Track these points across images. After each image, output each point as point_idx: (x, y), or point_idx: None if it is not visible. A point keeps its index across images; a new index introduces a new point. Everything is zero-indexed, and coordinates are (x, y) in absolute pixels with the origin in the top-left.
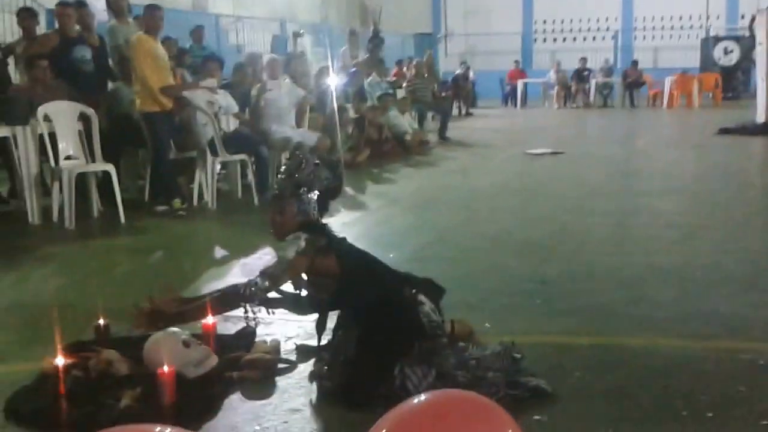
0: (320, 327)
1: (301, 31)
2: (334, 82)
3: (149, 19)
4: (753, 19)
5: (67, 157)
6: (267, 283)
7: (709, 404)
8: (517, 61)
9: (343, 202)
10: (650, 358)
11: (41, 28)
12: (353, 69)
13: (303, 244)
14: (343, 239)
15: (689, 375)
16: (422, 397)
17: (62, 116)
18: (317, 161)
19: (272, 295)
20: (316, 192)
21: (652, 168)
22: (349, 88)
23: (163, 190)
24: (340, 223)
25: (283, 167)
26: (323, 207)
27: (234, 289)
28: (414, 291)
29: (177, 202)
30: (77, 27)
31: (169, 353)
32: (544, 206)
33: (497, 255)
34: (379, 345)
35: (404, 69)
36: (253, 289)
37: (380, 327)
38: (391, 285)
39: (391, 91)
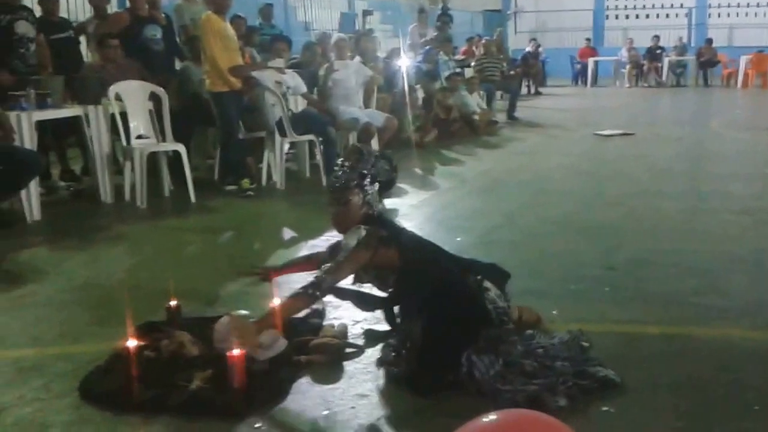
0: (389, 319)
1: (371, 10)
2: (405, 61)
3: None
4: None
5: (139, 137)
6: (330, 279)
7: None
8: (588, 39)
9: (411, 183)
10: (720, 350)
11: (112, 7)
12: (427, 47)
13: (364, 236)
14: (403, 229)
15: (761, 368)
16: (492, 416)
17: (133, 95)
18: (377, 153)
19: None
20: (377, 184)
21: (725, 150)
22: (423, 66)
23: (232, 170)
24: (408, 205)
25: (341, 159)
26: (379, 199)
27: (300, 292)
28: (479, 277)
29: (246, 182)
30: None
31: (238, 336)
32: (613, 189)
33: (565, 239)
34: (445, 333)
35: (473, 47)
36: (315, 289)
37: (445, 316)
38: (455, 273)
39: (459, 70)
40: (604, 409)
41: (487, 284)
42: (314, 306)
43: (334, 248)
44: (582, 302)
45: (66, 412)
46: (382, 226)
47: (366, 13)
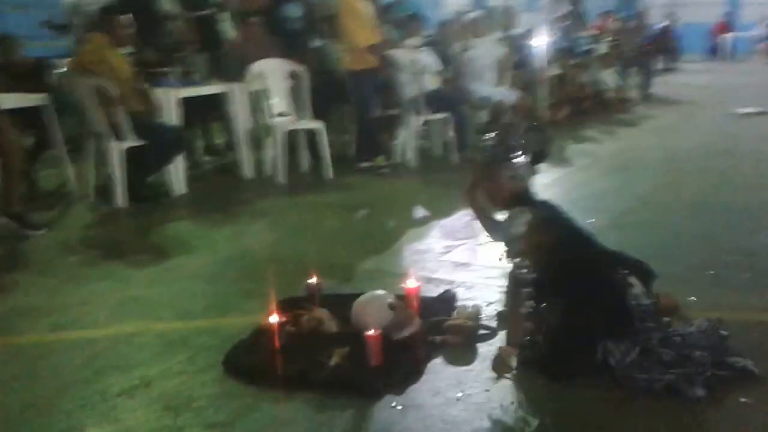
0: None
1: None
2: (541, 38)
3: None
4: None
5: (279, 114)
6: (523, 261)
7: None
8: (725, 14)
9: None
10: None
11: None
12: (567, 23)
13: (530, 219)
14: (556, 208)
15: None
16: None
17: (274, 73)
18: (528, 125)
19: None
20: (527, 157)
21: None
22: (564, 43)
23: (368, 147)
24: (540, 184)
25: (491, 131)
26: (531, 172)
27: (522, 309)
28: (626, 272)
29: (380, 159)
30: None
31: (376, 315)
32: (753, 171)
33: (702, 223)
34: (584, 320)
35: (608, 22)
36: (518, 275)
37: (588, 304)
38: (604, 265)
39: (594, 45)
40: (743, 400)
41: (633, 280)
42: (447, 287)
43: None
44: (721, 289)
45: (210, 385)
46: (539, 206)
47: None
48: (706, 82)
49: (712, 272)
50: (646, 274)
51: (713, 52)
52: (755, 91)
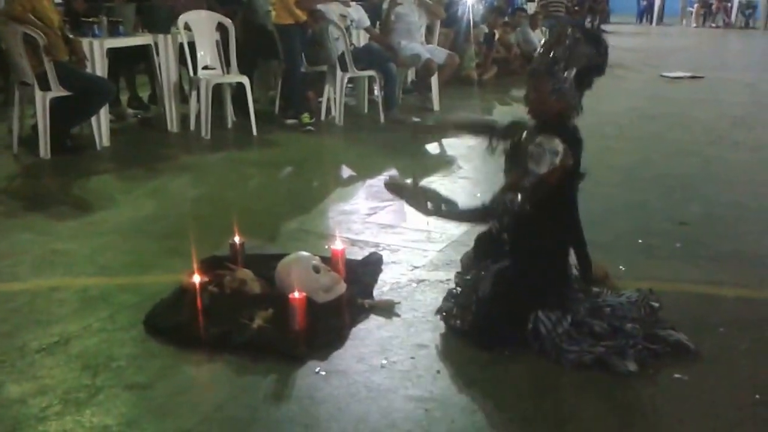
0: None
1: None
2: None
3: None
4: None
5: (205, 67)
6: (518, 198)
7: None
8: None
9: None
10: None
11: None
12: None
13: (558, 159)
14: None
15: None
16: None
17: (201, 26)
18: (579, 35)
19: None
20: (575, 69)
21: None
22: (493, 2)
23: (293, 104)
24: (466, 146)
25: (544, 40)
26: (587, 85)
27: (487, 207)
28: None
29: (306, 117)
30: None
31: (300, 278)
32: (684, 137)
33: (633, 190)
34: (523, 289)
35: None
36: (505, 205)
37: (534, 269)
38: (576, 229)
39: (524, 4)
40: (677, 376)
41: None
42: (372, 250)
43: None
44: (652, 259)
45: (131, 344)
46: (574, 144)
47: None
48: (636, 45)
49: (642, 241)
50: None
51: (644, 14)
52: (684, 55)
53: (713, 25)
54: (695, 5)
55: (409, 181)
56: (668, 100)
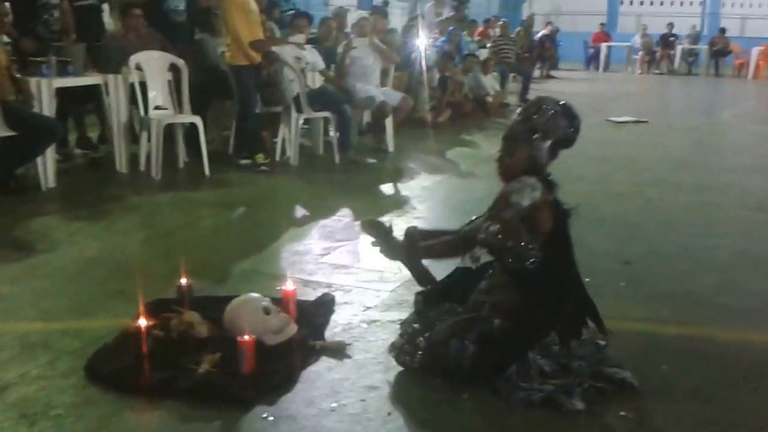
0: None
1: None
2: (422, 40)
3: None
4: None
5: (157, 107)
6: (497, 228)
7: None
8: (602, 24)
9: (424, 164)
10: (741, 355)
11: None
12: (451, 28)
13: (539, 194)
14: (562, 205)
15: None
16: None
17: (153, 66)
18: (558, 107)
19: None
20: (550, 140)
21: (740, 142)
22: (445, 46)
23: (248, 144)
24: (421, 186)
25: (520, 109)
26: (553, 155)
27: (465, 235)
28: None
29: (260, 157)
30: None
31: (249, 320)
32: (628, 179)
33: (579, 231)
34: (530, 326)
35: (489, 29)
36: (484, 235)
37: (536, 308)
38: (573, 274)
39: (476, 51)
40: (622, 413)
41: None
42: (325, 290)
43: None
44: (598, 297)
45: (71, 392)
46: (553, 187)
47: None
48: (583, 90)
49: (588, 280)
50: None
51: (590, 61)
52: (630, 100)
53: (657, 71)
54: (640, 53)
55: (385, 219)
56: (614, 143)
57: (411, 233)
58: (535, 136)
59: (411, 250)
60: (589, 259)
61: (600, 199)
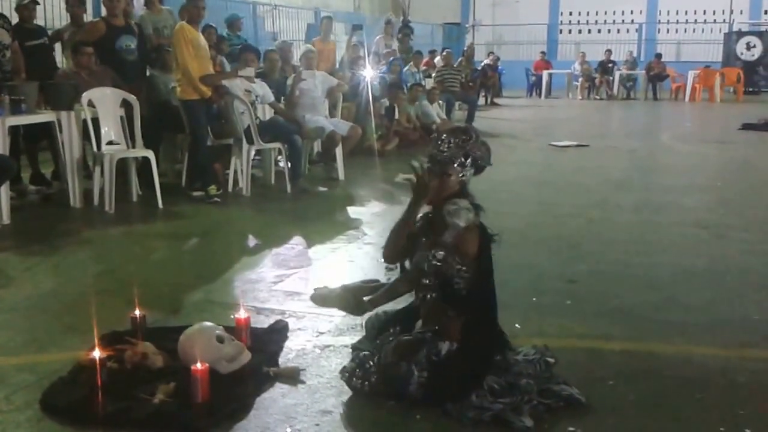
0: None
1: (360, 24)
2: (369, 71)
3: (192, 9)
4: None
5: (109, 142)
6: (443, 253)
7: (747, 419)
8: (542, 52)
9: (372, 192)
10: (683, 367)
11: (88, 15)
12: (392, 59)
13: (473, 216)
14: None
15: (725, 386)
16: None
17: (105, 102)
18: (481, 138)
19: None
20: (475, 167)
21: (677, 163)
22: (387, 76)
23: (200, 177)
24: (370, 213)
25: (446, 135)
26: (471, 177)
27: (415, 266)
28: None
29: (212, 189)
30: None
31: (203, 349)
32: (571, 200)
33: (524, 251)
34: (479, 349)
35: (435, 59)
36: (432, 261)
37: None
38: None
39: (422, 80)
40: (570, 429)
41: None
42: (278, 317)
43: (424, 228)
44: (544, 316)
45: (26, 426)
46: (477, 212)
47: (355, 27)
48: (526, 117)
49: (535, 299)
50: None
51: (533, 88)
52: (571, 125)
53: (597, 97)
54: (580, 79)
55: (334, 287)
56: (556, 167)
57: (353, 294)
58: (468, 161)
59: (371, 302)
60: (535, 278)
61: (544, 221)
